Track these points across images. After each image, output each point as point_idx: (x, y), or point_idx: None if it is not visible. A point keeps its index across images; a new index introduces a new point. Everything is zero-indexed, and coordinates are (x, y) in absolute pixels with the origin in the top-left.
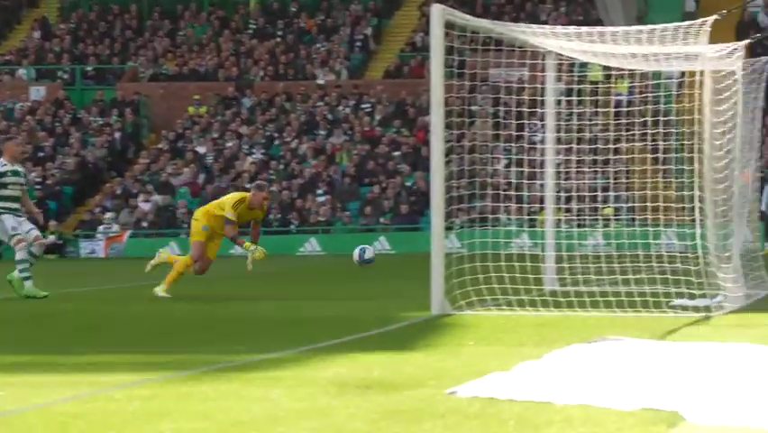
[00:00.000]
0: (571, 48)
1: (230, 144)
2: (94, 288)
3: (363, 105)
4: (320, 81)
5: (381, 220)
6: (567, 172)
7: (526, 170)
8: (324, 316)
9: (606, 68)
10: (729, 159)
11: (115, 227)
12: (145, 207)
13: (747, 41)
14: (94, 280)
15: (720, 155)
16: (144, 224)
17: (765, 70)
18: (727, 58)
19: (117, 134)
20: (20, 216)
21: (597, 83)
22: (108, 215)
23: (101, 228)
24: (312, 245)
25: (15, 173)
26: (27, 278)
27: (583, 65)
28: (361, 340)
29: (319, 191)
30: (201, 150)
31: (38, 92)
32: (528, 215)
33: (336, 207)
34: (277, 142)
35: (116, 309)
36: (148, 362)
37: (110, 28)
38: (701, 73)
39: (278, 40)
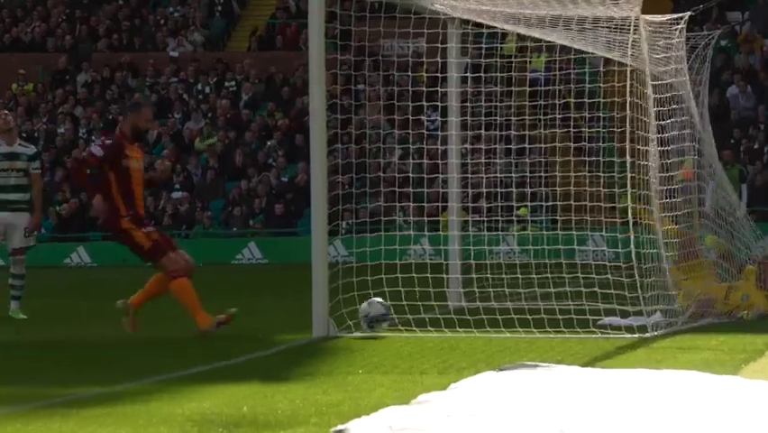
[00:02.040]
0: (479, 13)
1: (63, 129)
2: None
3: (227, 83)
4: (173, 53)
5: (251, 223)
6: (474, 165)
7: (426, 162)
8: (183, 339)
9: (520, 38)
10: (671, 148)
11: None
12: None
13: (690, 13)
14: None
15: (659, 142)
16: None
17: (710, 45)
18: (666, 30)
19: None
20: (17, 212)
21: (510, 57)
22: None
23: None
24: None
25: (5, 156)
26: (13, 297)
27: (493, 35)
28: (226, 368)
29: (174, 187)
30: (26, 136)
31: None
32: (429, 216)
33: (196, 206)
34: None
35: None
36: None
37: None
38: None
39: (121, 2)
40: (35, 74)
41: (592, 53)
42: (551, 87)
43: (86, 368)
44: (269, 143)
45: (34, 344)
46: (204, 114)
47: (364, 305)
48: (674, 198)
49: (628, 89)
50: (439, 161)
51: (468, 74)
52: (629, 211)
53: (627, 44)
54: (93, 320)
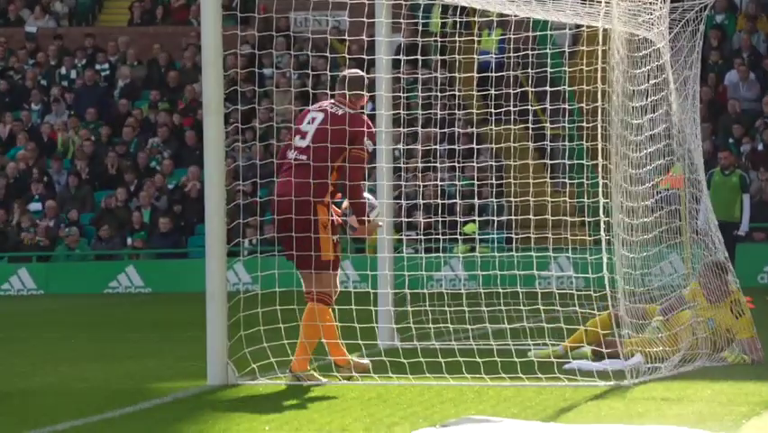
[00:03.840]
0: None
1: None
2: None
3: (98, 66)
4: (29, 29)
5: (129, 242)
6: (410, 170)
7: (348, 165)
8: (39, 387)
9: (465, 12)
10: (653, 149)
11: None
12: None
13: None
14: None
15: (639, 142)
16: None
17: (702, 19)
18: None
19: None
20: None
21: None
22: None
23: None
24: (22, 280)
25: None
26: None
27: (431, 8)
28: (96, 425)
29: (33, 198)
30: None
31: None
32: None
33: (60, 221)
34: None
35: None
36: None
37: None
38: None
39: None
40: None
41: (556, 29)
42: (504, 73)
43: None
44: (151, 142)
45: None
46: (68, 105)
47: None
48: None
49: (600, 78)
50: (365, 165)
51: (401, 56)
52: (602, 227)
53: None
54: None
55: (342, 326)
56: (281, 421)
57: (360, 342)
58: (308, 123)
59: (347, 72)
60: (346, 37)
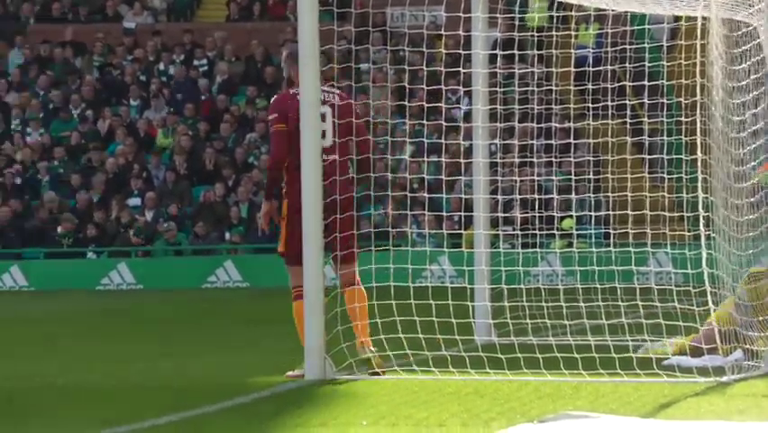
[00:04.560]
0: None
1: None
2: None
3: (196, 62)
4: (128, 25)
5: (227, 237)
6: (506, 165)
7: (445, 161)
8: (144, 383)
9: (562, 6)
10: (755, 145)
11: None
12: None
13: None
14: None
15: (740, 138)
16: None
17: None
18: None
19: None
20: None
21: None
22: None
23: None
24: (122, 275)
25: None
26: None
27: (528, 2)
28: (199, 418)
29: (132, 193)
30: None
31: None
32: (449, 229)
33: (160, 216)
34: (62, 117)
35: None
36: None
37: None
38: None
39: None
40: None
41: (654, 23)
42: (602, 68)
43: (17, 422)
44: (248, 138)
45: None
46: (167, 101)
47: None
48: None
49: (698, 72)
50: (462, 160)
51: (497, 51)
52: (701, 222)
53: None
54: (26, 358)
55: (440, 321)
56: (378, 416)
57: (456, 337)
58: (321, 120)
59: (291, 47)
60: (442, 32)
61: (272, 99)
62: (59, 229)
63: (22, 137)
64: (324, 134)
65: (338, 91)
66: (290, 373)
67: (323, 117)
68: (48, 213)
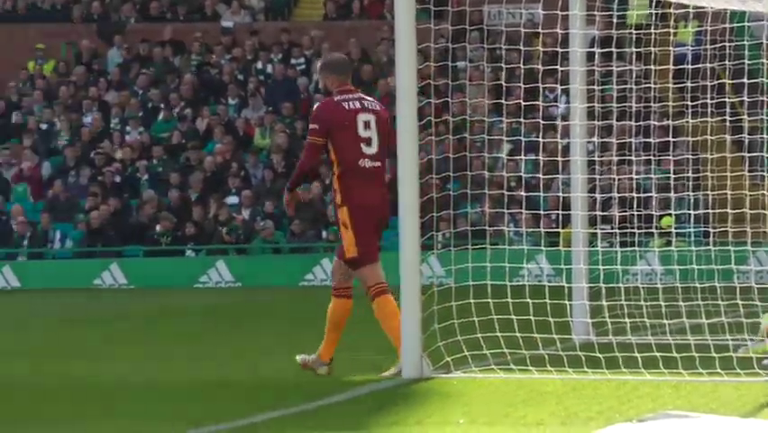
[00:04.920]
0: None
1: (90, 119)
2: None
3: (293, 61)
4: (226, 24)
5: (324, 234)
6: (604, 163)
7: (542, 159)
8: (240, 380)
9: (661, 4)
10: None
11: None
12: None
13: None
14: None
15: None
16: None
17: None
18: None
19: None
20: None
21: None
22: None
23: None
24: (220, 273)
25: None
26: None
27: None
28: (296, 417)
29: (229, 191)
30: (47, 127)
31: None
32: (546, 227)
33: (256, 215)
34: (161, 116)
35: None
36: None
37: None
38: None
39: None
40: (56, 50)
41: (754, 21)
42: (701, 65)
43: (121, 416)
44: None
45: (53, 382)
46: (265, 99)
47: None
48: None
49: None
50: (559, 159)
51: (595, 49)
52: None
53: None
54: (127, 354)
55: (537, 319)
56: (475, 415)
57: (554, 336)
58: (365, 128)
59: (332, 55)
60: (540, 30)
61: (315, 107)
62: (158, 228)
63: (121, 136)
64: (370, 141)
65: (375, 100)
66: (385, 373)
67: (368, 124)
68: (147, 211)
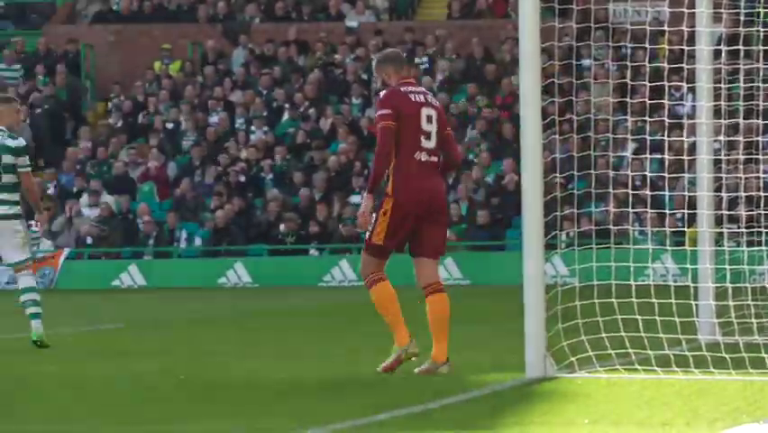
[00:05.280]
0: None
1: (216, 118)
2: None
3: (417, 60)
4: (351, 23)
5: (448, 234)
6: (731, 162)
7: (668, 158)
8: (361, 379)
9: None
10: None
11: (46, 245)
12: (90, 213)
13: None
14: (15, 323)
15: None
16: (89, 240)
17: None
18: None
19: (45, 104)
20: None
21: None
22: (34, 226)
23: None
24: (343, 271)
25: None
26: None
27: None
28: (417, 416)
29: (353, 191)
30: (172, 127)
31: None
32: (671, 227)
33: None
34: (286, 116)
35: (46, 369)
36: None
37: None
38: None
39: None
40: (182, 50)
41: None
42: None
43: (246, 414)
44: (469, 135)
45: (183, 381)
46: None
47: None
48: None
49: None
50: (685, 158)
51: (722, 47)
52: None
53: None
54: (252, 353)
55: (662, 319)
56: (600, 415)
57: (680, 336)
58: (428, 122)
59: (386, 50)
60: (666, 28)
61: (381, 94)
62: (282, 227)
63: (246, 135)
64: (430, 135)
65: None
66: (415, 370)
67: (430, 119)
68: (271, 210)
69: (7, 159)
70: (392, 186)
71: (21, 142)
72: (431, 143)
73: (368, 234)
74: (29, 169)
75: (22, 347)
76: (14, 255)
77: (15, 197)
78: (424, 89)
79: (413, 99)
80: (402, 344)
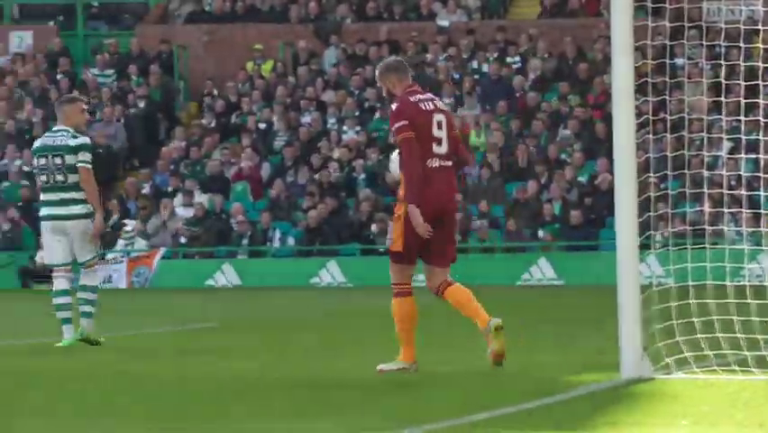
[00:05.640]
0: None
1: (308, 118)
2: (111, 333)
3: (509, 59)
4: (442, 23)
5: (540, 234)
6: None
7: (763, 157)
8: (447, 378)
9: None
10: None
11: (141, 244)
12: (185, 213)
13: None
14: (111, 322)
15: None
16: (183, 239)
17: None
18: None
19: (139, 104)
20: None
21: None
22: (129, 225)
23: (120, 246)
24: None
25: (45, 149)
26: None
27: None
28: (513, 417)
29: None
30: (265, 127)
31: (20, 40)
32: None
33: (470, 213)
34: (378, 115)
35: (128, 367)
36: None
37: None
38: None
39: None
40: (274, 50)
41: None
42: None
43: (341, 413)
44: (561, 135)
45: (278, 381)
46: (480, 98)
47: None
48: None
49: None
50: None
51: None
52: None
53: None
54: (345, 352)
55: (761, 320)
56: (698, 416)
57: None
58: (438, 128)
59: (387, 59)
60: (760, 27)
61: (394, 106)
62: (373, 228)
63: (338, 135)
64: (440, 141)
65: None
66: (383, 366)
67: (440, 125)
68: (363, 210)
69: (70, 159)
70: (405, 191)
71: (82, 140)
72: (442, 149)
73: (388, 241)
74: (88, 165)
75: (126, 345)
76: (86, 255)
77: (83, 195)
78: (431, 94)
79: (423, 108)
80: (407, 360)
